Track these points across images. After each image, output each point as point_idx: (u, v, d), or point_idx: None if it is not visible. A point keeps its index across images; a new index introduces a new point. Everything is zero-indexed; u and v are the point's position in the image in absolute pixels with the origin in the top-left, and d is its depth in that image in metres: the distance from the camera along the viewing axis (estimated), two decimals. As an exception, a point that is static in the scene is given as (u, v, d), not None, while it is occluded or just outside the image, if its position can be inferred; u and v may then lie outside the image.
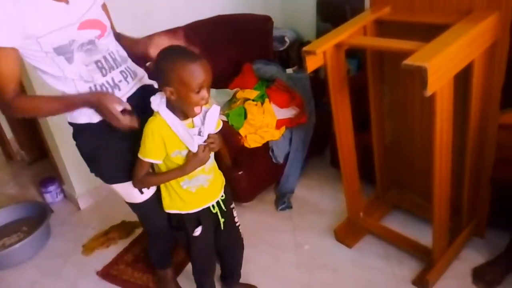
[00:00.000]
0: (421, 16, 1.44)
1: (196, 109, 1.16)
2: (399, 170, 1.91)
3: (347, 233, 1.87)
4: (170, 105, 1.18)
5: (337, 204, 2.05)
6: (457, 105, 1.37)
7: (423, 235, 1.70)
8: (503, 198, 1.59)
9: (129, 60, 1.34)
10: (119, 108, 1.15)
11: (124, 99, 1.23)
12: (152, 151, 1.19)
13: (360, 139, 1.81)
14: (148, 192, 1.37)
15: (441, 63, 1.16)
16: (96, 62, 1.19)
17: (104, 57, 1.21)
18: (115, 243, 2.07)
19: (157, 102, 1.19)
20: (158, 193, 1.36)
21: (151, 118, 1.19)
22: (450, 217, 1.58)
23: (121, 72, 1.26)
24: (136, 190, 1.33)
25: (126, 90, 1.26)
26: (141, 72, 1.38)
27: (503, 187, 1.58)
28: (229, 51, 2.56)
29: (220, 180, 1.41)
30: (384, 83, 1.74)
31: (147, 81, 1.39)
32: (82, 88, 1.19)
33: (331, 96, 1.56)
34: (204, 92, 1.13)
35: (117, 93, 1.24)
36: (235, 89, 2.40)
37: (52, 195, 2.44)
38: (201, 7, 2.56)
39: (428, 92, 1.15)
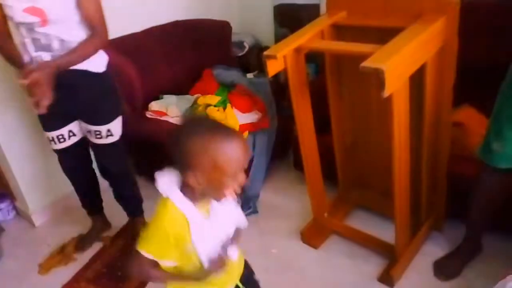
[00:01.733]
0: (375, 20, 1.49)
1: (229, 193, 0.92)
2: (360, 170, 1.95)
3: (313, 234, 1.89)
4: (184, 188, 0.93)
5: (302, 206, 2.07)
6: (413, 105, 1.42)
7: (386, 232, 1.74)
8: (458, 193, 1.67)
9: (73, 46, 1.50)
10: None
11: None
12: (159, 250, 0.95)
13: (322, 141, 1.84)
14: None
15: (397, 64, 1.21)
16: (33, 39, 1.48)
17: (39, 39, 1.48)
18: (74, 259, 1.97)
19: (167, 183, 0.93)
20: None
21: (161, 209, 0.94)
22: (410, 214, 1.64)
23: (52, 56, 1.49)
24: None
25: None
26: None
27: (458, 182, 1.66)
28: (188, 56, 2.54)
29: (241, 259, 1.18)
30: (342, 86, 1.78)
31: (85, 67, 1.55)
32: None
33: (293, 99, 1.58)
34: (242, 176, 0.91)
35: None
36: (196, 95, 2.37)
37: (3, 213, 2.28)
38: (159, 13, 2.52)
39: (386, 93, 1.18)
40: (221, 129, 0.89)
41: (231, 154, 0.87)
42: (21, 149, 2.08)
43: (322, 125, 1.84)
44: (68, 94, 1.55)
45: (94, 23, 1.52)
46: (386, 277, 1.62)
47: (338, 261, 1.77)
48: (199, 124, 0.91)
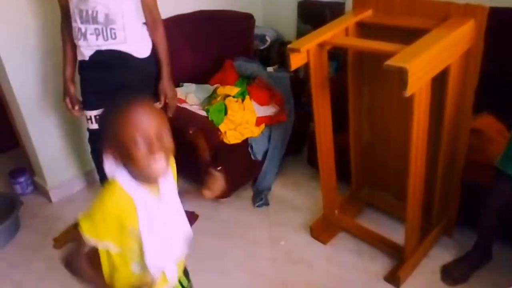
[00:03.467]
0: (401, 20, 1.49)
1: (157, 170, 0.87)
2: (374, 170, 1.96)
3: (322, 230, 1.90)
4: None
5: (313, 201, 2.08)
6: (433, 107, 1.42)
7: (395, 233, 1.75)
8: (471, 200, 1.67)
9: (117, 24, 1.57)
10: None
11: (91, 50, 1.59)
12: (100, 230, 0.89)
13: (338, 139, 1.85)
14: None
15: (420, 65, 1.21)
16: (80, 10, 1.54)
17: (87, 11, 1.53)
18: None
19: (113, 164, 0.89)
20: None
21: (106, 190, 0.90)
22: (422, 216, 1.64)
23: (95, 29, 1.56)
24: None
25: (94, 44, 1.58)
26: (122, 38, 1.59)
27: (472, 189, 1.66)
28: (210, 46, 2.56)
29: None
30: (363, 85, 1.79)
31: (129, 50, 1.62)
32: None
33: (313, 94, 1.59)
34: (160, 156, 0.86)
35: (82, 42, 1.59)
36: (215, 85, 2.39)
37: (22, 186, 2.35)
38: (184, 1, 2.54)
39: (408, 93, 1.19)
40: (123, 104, 0.86)
41: (135, 127, 0.82)
42: (44, 125, 2.14)
43: (339, 124, 1.85)
44: (111, 75, 1.60)
45: (154, 13, 1.66)
46: (393, 277, 1.63)
47: (346, 257, 1.79)
48: (116, 104, 0.88)
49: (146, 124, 0.84)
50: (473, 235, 1.64)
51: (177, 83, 2.40)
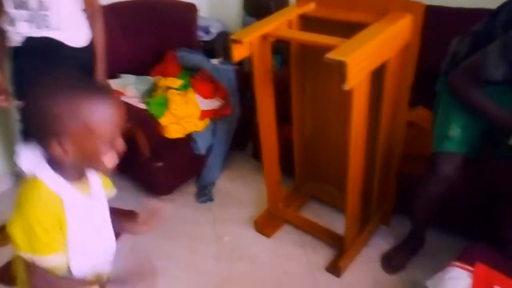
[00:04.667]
0: (342, 14, 1.51)
1: (107, 162, 0.79)
2: (317, 162, 1.99)
3: (267, 224, 1.90)
4: (52, 164, 0.79)
5: (257, 195, 2.07)
6: (371, 101, 1.46)
7: (337, 224, 1.79)
8: (407, 190, 1.74)
9: (51, 10, 1.48)
10: None
11: (22, 37, 1.50)
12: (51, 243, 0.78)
13: (281, 132, 1.86)
14: None
15: (359, 58, 1.23)
16: None
17: None
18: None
19: (32, 159, 0.78)
20: None
21: (29, 192, 0.78)
22: (361, 207, 1.69)
23: (28, 15, 1.47)
24: None
25: (25, 31, 1.49)
26: (56, 25, 1.51)
27: (407, 180, 1.73)
28: (151, 37, 2.45)
29: None
30: (305, 78, 1.80)
31: (63, 38, 1.54)
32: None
33: (256, 87, 1.57)
34: (120, 142, 0.79)
35: (13, 28, 1.50)
36: (156, 77, 2.29)
37: None
38: (122, -13, 2.41)
39: (347, 86, 1.20)
40: (90, 86, 0.78)
41: (106, 114, 0.74)
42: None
43: (283, 117, 1.85)
44: (44, 64, 1.47)
45: (92, 0, 1.60)
46: (334, 267, 1.66)
47: (289, 250, 1.80)
48: (62, 83, 0.76)
49: (119, 119, 0.77)
50: (409, 223, 1.71)
51: (114, 75, 2.28)
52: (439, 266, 1.28)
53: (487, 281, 1.14)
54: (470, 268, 1.19)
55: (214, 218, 2.01)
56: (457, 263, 1.22)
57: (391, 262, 1.68)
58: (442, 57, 1.88)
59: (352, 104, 1.32)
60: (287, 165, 1.95)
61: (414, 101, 1.79)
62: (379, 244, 1.79)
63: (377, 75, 1.44)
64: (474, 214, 1.63)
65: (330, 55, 1.20)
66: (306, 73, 1.78)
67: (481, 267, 1.18)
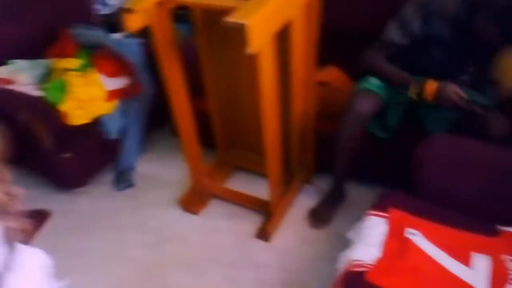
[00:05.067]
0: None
1: None
2: (237, 131, 1.95)
3: (193, 201, 1.85)
4: None
5: (181, 174, 1.99)
6: (280, 63, 1.44)
7: (262, 190, 1.79)
8: (325, 147, 1.79)
9: None
10: None
11: None
12: None
13: (197, 105, 1.78)
14: None
15: (261, 20, 1.18)
16: None
17: None
18: None
19: None
20: None
21: None
22: (282, 170, 1.70)
23: None
24: None
25: None
26: None
27: (325, 137, 1.77)
28: (41, 14, 2.18)
29: None
30: (213, 46, 1.72)
31: None
32: None
33: (160, 60, 1.46)
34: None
35: None
36: (52, 59, 2.06)
37: None
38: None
39: (250, 50, 1.16)
40: None
41: None
42: None
43: (198, 88, 1.77)
44: None
45: None
46: (262, 232, 1.67)
47: (218, 224, 1.77)
48: None
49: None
50: (330, 179, 1.77)
51: (1, 61, 2.01)
52: (361, 216, 1.33)
53: (401, 224, 1.21)
54: (385, 214, 1.25)
55: (137, 204, 1.91)
56: (373, 212, 1.28)
57: (317, 217, 1.73)
58: (343, 15, 1.92)
59: (260, 68, 1.28)
60: (207, 139, 1.90)
61: (323, 61, 1.82)
62: (305, 203, 1.83)
63: (282, 36, 1.41)
64: (391, 164, 1.72)
65: (230, 18, 1.13)
66: (213, 40, 1.70)
67: (395, 212, 1.25)
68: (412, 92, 1.42)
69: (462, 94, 1.34)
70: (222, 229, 1.75)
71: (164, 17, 1.42)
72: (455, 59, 1.48)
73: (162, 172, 2.07)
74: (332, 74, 1.97)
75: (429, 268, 1.08)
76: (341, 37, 1.94)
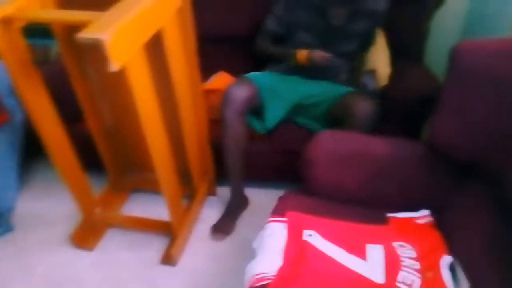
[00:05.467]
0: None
1: None
2: (129, 152, 1.80)
3: (86, 236, 1.66)
4: None
5: (69, 207, 1.78)
6: (159, 75, 1.34)
7: (165, 211, 1.67)
8: (223, 154, 1.73)
9: None
10: None
11: None
12: None
13: (78, 129, 1.61)
14: None
15: (122, 32, 1.06)
16: None
17: None
18: None
19: None
20: None
21: None
22: (183, 184, 1.61)
23: None
24: None
25: None
26: None
27: (220, 145, 1.71)
28: None
29: None
30: (85, 62, 1.55)
31: None
32: None
33: (16, 86, 1.27)
34: None
35: None
36: None
37: None
38: None
39: (113, 67, 1.04)
40: None
41: None
42: None
43: (77, 111, 1.60)
44: None
45: None
46: (167, 257, 1.56)
47: (118, 257, 1.61)
48: None
49: None
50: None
51: None
52: (264, 219, 1.29)
53: (298, 226, 1.19)
54: (283, 219, 1.23)
55: (19, 249, 1.66)
56: (272, 218, 1.24)
57: (219, 229, 1.67)
58: (219, 20, 1.89)
59: (131, 83, 1.17)
60: (96, 164, 1.73)
61: (210, 68, 1.76)
62: (210, 216, 1.76)
63: (156, 45, 1.31)
64: (285, 163, 1.73)
65: (83, 34, 1.00)
66: (84, 56, 1.54)
67: (292, 215, 1.23)
68: (291, 62, 1.62)
69: (326, 54, 1.53)
70: (123, 262, 1.59)
71: (14, 37, 1.23)
72: (327, 44, 1.61)
73: (47, 208, 1.83)
74: (221, 80, 1.92)
75: (328, 269, 1.07)
76: (221, 41, 1.91)
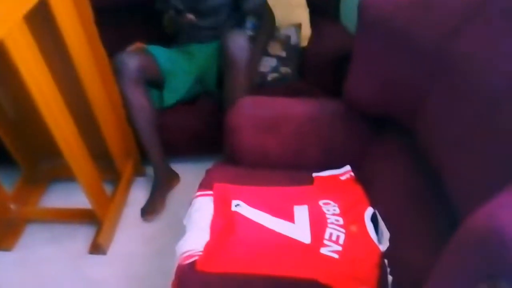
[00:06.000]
0: None
1: None
2: (38, 140, 1.63)
3: (3, 235, 1.51)
4: None
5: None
6: (58, 50, 1.19)
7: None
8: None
9: None
10: None
11: None
12: None
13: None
14: None
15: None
16: None
17: None
18: None
19: None
20: None
21: None
22: (104, 169, 1.50)
23: None
24: None
25: None
26: None
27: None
28: None
29: None
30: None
31: None
32: None
33: None
34: None
35: None
36: None
37: None
38: None
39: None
40: None
41: None
42: None
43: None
44: None
45: None
46: (95, 246, 1.46)
47: (41, 253, 1.49)
48: None
49: None
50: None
51: None
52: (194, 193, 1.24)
53: (226, 198, 1.15)
54: (210, 192, 1.18)
55: None
56: (199, 192, 1.19)
57: (148, 210, 1.59)
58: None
59: (14, 60, 1.02)
60: (4, 158, 1.55)
61: (124, 40, 1.62)
62: (140, 198, 1.66)
63: (47, 19, 1.16)
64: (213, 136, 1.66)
65: None
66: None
67: (219, 187, 1.19)
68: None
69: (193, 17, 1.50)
70: (47, 258, 1.47)
71: None
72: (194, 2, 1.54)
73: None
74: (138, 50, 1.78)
75: (256, 236, 1.05)
76: (120, 12, 1.77)
